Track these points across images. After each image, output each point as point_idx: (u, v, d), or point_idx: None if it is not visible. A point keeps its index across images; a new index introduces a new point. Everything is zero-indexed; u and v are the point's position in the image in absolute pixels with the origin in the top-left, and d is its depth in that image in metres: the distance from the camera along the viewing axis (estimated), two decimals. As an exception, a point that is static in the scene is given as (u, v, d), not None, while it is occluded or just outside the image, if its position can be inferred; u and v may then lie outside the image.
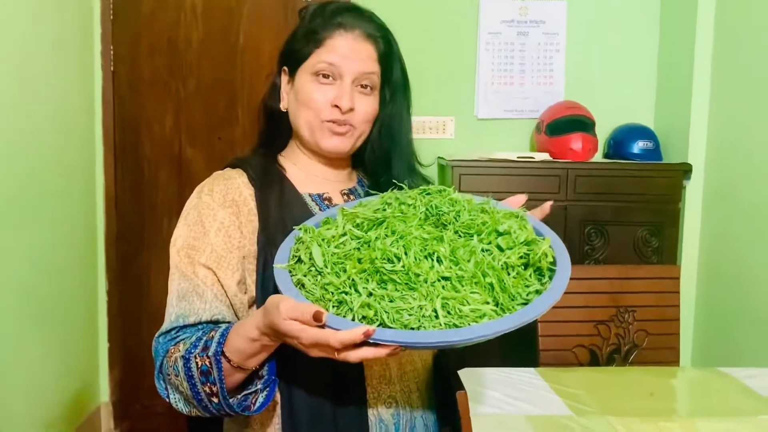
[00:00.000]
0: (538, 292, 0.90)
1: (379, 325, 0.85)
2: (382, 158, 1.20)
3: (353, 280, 0.88)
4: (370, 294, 0.87)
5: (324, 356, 0.87)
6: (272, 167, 1.17)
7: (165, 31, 2.73)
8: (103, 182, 2.79)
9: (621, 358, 1.94)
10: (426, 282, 0.87)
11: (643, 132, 2.62)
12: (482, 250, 0.92)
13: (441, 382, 1.20)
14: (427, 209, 0.99)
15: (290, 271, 0.96)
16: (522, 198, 1.07)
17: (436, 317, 0.84)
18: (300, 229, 1.02)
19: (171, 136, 2.78)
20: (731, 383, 1.61)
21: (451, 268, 0.89)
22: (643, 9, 2.74)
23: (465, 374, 1.33)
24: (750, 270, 2.24)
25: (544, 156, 2.53)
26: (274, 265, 0.97)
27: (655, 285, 1.99)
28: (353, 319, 0.86)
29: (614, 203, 2.49)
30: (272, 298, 0.90)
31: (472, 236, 0.95)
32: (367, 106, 1.14)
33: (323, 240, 0.96)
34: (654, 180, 2.51)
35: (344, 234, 0.96)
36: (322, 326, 0.84)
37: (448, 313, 0.85)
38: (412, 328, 0.84)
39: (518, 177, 2.46)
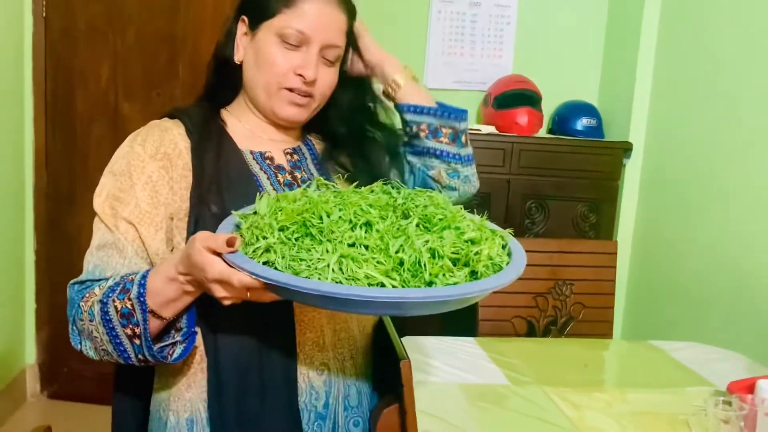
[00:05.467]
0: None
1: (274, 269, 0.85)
2: (344, 118, 1.19)
3: (274, 225, 0.88)
4: (284, 242, 0.87)
5: (228, 298, 0.88)
6: (213, 120, 1.12)
7: (103, -24, 2.59)
8: (33, 136, 2.65)
9: (557, 329, 1.99)
10: (335, 240, 0.86)
11: (587, 109, 2.66)
12: (425, 242, 0.88)
13: (380, 350, 1.18)
14: (404, 201, 0.97)
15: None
16: None
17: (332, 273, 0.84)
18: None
19: (106, 90, 2.64)
20: (660, 356, 1.67)
21: (371, 237, 0.87)
22: (593, -13, 2.76)
23: (406, 342, 1.33)
24: (680, 248, 2.32)
25: (491, 129, 2.54)
26: (231, 212, 0.98)
27: (593, 259, 2.04)
28: (258, 262, 0.86)
29: (556, 178, 2.53)
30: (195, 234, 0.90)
31: (428, 229, 0.92)
32: (329, 79, 1.11)
33: (284, 197, 0.96)
34: (595, 157, 2.55)
35: (303, 196, 0.97)
36: (234, 252, 0.85)
37: (342, 271, 0.83)
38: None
39: (474, 149, 2.45)
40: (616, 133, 2.64)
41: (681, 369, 1.58)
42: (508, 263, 0.93)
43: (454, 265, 0.88)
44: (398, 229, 0.90)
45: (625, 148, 2.56)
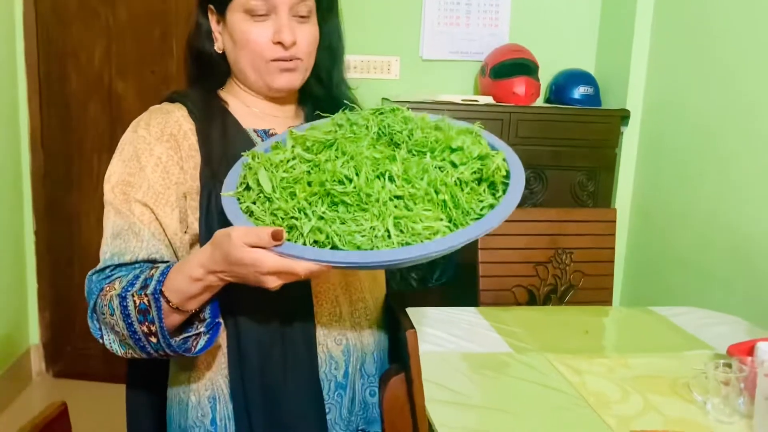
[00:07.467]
0: (491, 206, 0.90)
1: (331, 248, 0.85)
2: (326, 78, 1.17)
3: (303, 204, 0.88)
4: (321, 217, 0.87)
5: (281, 284, 0.88)
6: (213, 101, 1.12)
7: (92, -48, 2.55)
8: (28, 117, 2.64)
9: (557, 298, 2.01)
10: (378, 202, 0.87)
11: (584, 77, 2.64)
12: (436, 167, 0.92)
13: (391, 321, 1.20)
14: (379, 129, 0.98)
15: (238, 199, 0.94)
16: None
17: (389, 237, 0.85)
18: (248, 155, 0.99)
19: (100, 69, 2.62)
20: (659, 321, 1.69)
21: (403, 186, 0.89)
22: (589, -47, 2.73)
23: (409, 313, 1.34)
24: (678, 215, 2.33)
25: (488, 99, 2.53)
26: (221, 194, 0.95)
27: (593, 228, 2.05)
28: (304, 244, 0.86)
29: (553, 148, 2.52)
30: (220, 231, 0.88)
31: (425, 154, 0.95)
32: (309, 35, 1.08)
33: (272, 165, 0.94)
34: (593, 125, 2.55)
35: (293, 158, 0.95)
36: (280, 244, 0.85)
37: (401, 231, 0.85)
38: (365, 249, 0.85)
39: (462, 120, 2.44)
40: (613, 100, 2.63)
41: (681, 333, 1.60)
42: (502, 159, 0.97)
43: (478, 184, 0.93)
44: (422, 168, 0.92)
45: (623, 116, 2.55)
